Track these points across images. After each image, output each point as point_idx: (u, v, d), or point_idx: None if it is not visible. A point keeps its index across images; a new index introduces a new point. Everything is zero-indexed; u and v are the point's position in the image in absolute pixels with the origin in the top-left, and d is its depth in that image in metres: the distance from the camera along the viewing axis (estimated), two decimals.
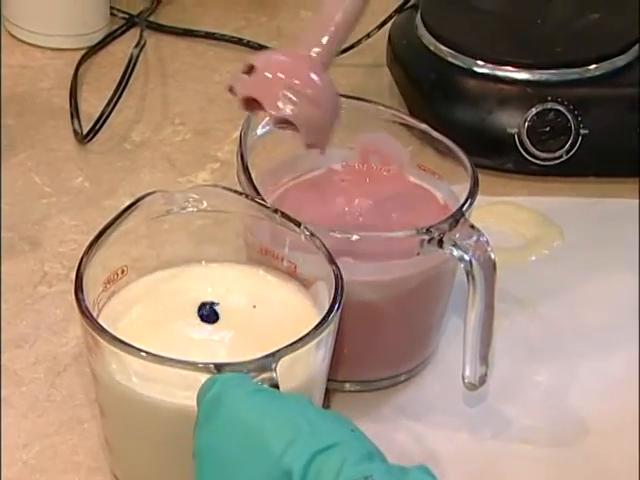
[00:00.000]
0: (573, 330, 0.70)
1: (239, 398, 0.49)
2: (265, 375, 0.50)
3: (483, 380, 0.62)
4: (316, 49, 0.61)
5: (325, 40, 0.61)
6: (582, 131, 0.78)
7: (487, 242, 0.60)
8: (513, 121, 0.79)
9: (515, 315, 0.70)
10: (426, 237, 0.60)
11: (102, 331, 0.54)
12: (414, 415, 0.64)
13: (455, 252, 0.60)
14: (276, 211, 0.60)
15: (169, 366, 0.52)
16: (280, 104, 0.58)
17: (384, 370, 0.66)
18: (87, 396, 0.64)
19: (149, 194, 0.60)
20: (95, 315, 0.56)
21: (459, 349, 0.62)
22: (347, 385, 0.65)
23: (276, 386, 0.50)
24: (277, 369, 0.51)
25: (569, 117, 0.78)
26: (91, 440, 0.62)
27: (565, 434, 0.63)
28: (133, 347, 0.53)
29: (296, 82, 0.59)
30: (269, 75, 0.59)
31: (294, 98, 0.58)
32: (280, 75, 0.59)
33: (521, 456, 0.62)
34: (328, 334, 0.54)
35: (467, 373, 0.62)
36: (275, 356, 0.51)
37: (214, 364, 0.51)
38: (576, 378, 0.66)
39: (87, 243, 0.58)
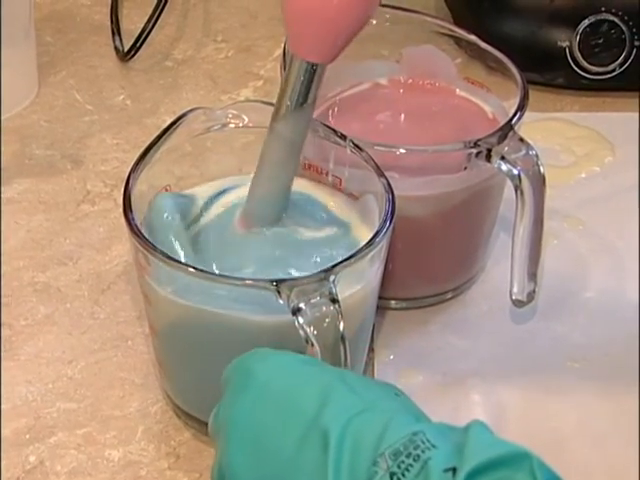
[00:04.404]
0: (623, 247, 0.69)
1: (271, 366, 0.47)
2: (324, 289, 0.50)
3: (531, 297, 0.62)
4: None
5: None
6: (637, 43, 0.76)
7: (536, 155, 0.59)
8: (564, 34, 0.77)
9: (564, 233, 0.70)
10: (474, 151, 0.59)
11: (154, 250, 0.53)
12: (460, 332, 0.64)
13: (503, 166, 0.59)
14: (320, 125, 0.59)
15: (228, 284, 0.52)
16: None
17: (430, 287, 0.65)
18: (130, 314, 0.65)
19: (191, 111, 0.59)
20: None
21: (506, 268, 0.62)
22: (393, 302, 0.65)
23: (335, 300, 0.50)
24: (335, 282, 0.51)
25: (623, 29, 0.76)
26: (135, 357, 0.63)
27: (614, 351, 0.63)
28: (189, 265, 0.53)
29: None
30: None
31: None
32: None
33: (569, 374, 0.62)
34: (382, 247, 0.54)
35: (515, 289, 0.61)
36: (333, 270, 0.51)
37: (273, 280, 0.51)
38: (626, 294, 0.66)
39: (130, 161, 0.58)
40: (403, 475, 0.40)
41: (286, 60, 0.62)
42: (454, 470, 0.40)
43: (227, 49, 0.84)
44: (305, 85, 0.55)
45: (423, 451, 0.40)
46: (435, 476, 0.39)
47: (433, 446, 0.40)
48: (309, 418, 0.43)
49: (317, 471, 0.42)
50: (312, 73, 0.55)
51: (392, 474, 0.40)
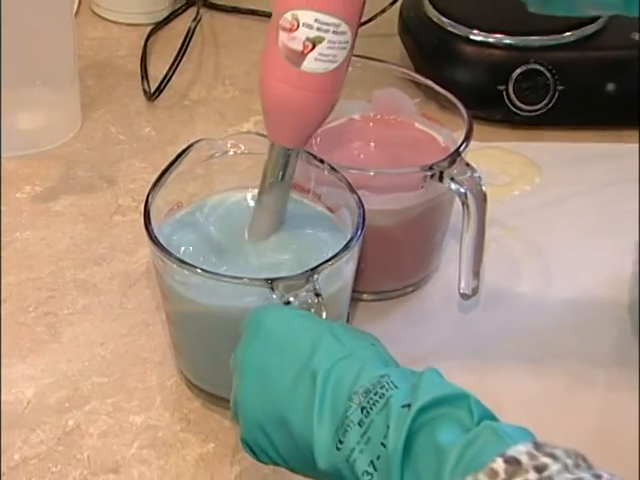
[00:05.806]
0: (549, 250, 0.67)
1: (277, 319, 0.46)
2: (309, 285, 0.48)
3: (475, 291, 0.60)
4: None
5: None
6: (559, 87, 0.75)
7: (479, 177, 0.58)
8: (501, 79, 0.75)
9: (501, 239, 0.68)
10: (429, 173, 0.58)
11: (169, 255, 0.51)
12: (419, 320, 0.62)
13: (453, 186, 0.58)
14: (303, 151, 0.57)
15: (231, 283, 0.50)
16: None
17: (394, 283, 0.63)
18: (151, 305, 0.62)
19: (197, 141, 0.57)
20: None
21: (456, 267, 0.60)
22: (365, 295, 0.63)
23: (318, 294, 0.48)
24: (318, 280, 0.49)
25: (548, 76, 0.75)
26: (156, 340, 0.60)
27: (543, 334, 0.61)
28: (197, 267, 0.51)
29: None
30: None
31: None
32: None
33: (507, 354, 0.60)
34: (355, 251, 0.53)
35: (462, 285, 0.60)
36: (316, 270, 0.50)
37: (268, 279, 0.49)
38: (553, 288, 0.64)
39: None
40: (371, 409, 0.40)
41: None
42: (409, 406, 0.39)
43: (233, 91, 0.82)
44: (283, 166, 0.54)
45: (387, 390, 0.40)
46: (394, 410, 0.39)
47: (395, 387, 0.41)
48: (302, 361, 0.43)
49: (307, 403, 0.42)
50: (288, 156, 0.54)
51: (362, 408, 0.40)
